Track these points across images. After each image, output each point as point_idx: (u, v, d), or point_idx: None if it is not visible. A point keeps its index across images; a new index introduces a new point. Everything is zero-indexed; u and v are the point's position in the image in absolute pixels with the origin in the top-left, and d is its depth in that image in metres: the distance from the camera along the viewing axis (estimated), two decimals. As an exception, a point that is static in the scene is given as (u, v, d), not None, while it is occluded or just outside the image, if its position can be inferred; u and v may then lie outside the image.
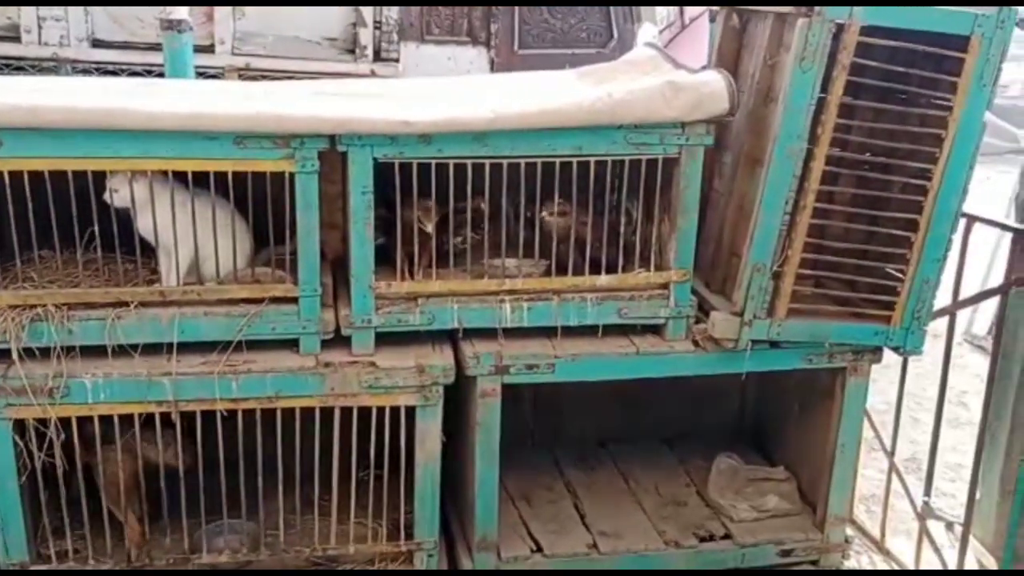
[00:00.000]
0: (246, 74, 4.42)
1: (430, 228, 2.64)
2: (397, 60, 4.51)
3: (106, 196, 2.47)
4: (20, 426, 2.49)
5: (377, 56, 4.48)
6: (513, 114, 2.49)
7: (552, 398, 3.39)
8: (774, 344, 2.77)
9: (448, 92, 2.83)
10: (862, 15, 2.46)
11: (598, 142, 2.58)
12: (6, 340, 2.43)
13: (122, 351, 2.52)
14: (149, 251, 2.65)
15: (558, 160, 2.58)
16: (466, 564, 2.84)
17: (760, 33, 2.78)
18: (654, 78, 2.68)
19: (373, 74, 4.46)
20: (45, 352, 2.48)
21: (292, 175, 2.48)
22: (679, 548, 2.95)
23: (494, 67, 4.62)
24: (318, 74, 4.36)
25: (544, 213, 2.70)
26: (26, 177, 2.36)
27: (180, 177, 2.51)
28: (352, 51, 4.49)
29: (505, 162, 2.56)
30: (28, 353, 2.46)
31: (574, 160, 2.59)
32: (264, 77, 4.32)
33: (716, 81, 2.57)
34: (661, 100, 2.54)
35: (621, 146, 2.60)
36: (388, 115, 2.45)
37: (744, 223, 2.77)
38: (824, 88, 2.50)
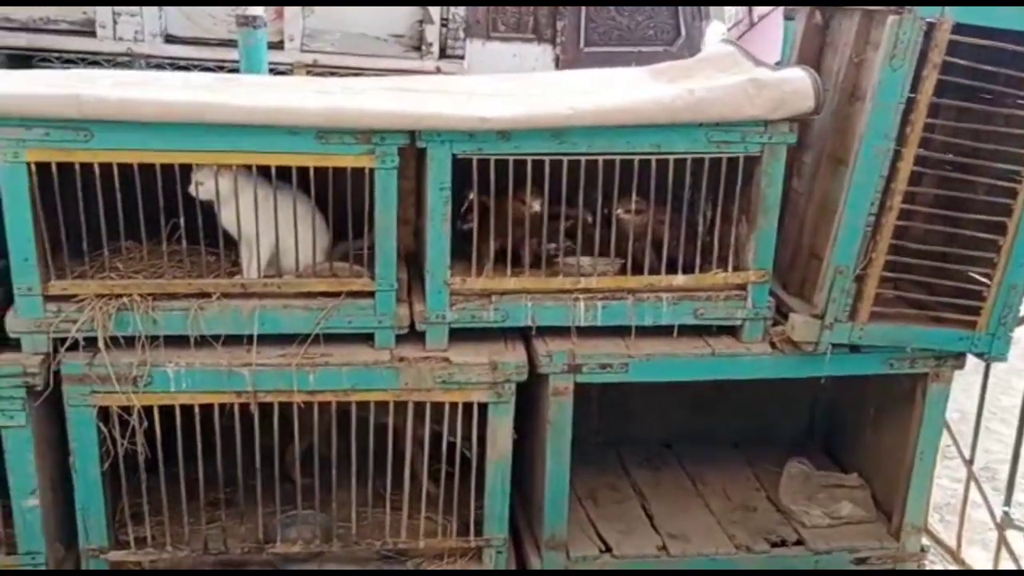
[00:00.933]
0: (313, 70, 4.44)
1: (537, 207, 2.61)
2: (462, 57, 4.51)
3: (191, 188, 2.50)
4: (104, 413, 2.53)
5: (443, 53, 4.48)
6: (592, 111, 2.47)
7: (619, 397, 3.36)
8: (854, 348, 2.72)
9: (524, 89, 2.82)
10: (954, 13, 2.40)
11: (678, 140, 2.55)
12: (93, 329, 2.47)
13: (204, 341, 2.55)
14: (230, 243, 2.69)
15: (636, 158, 2.56)
16: (534, 563, 2.83)
17: (846, 30, 2.73)
18: (734, 75, 2.65)
19: (438, 71, 4.47)
20: (129, 341, 2.52)
21: (372, 171, 2.49)
22: (750, 553, 2.91)
23: (559, 64, 4.60)
24: (384, 71, 4.38)
25: (620, 211, 2.68)
26: (115, 169, 2.39)
27: (262, 171, 2.54)
28: (418, 48, 4.49)
29: (583, 159, 2.54)
30: (113, 342, 2.51)
31: (652, 158, 2.56)
32: (331, 73, 4.35)
33: (801, 79, 2.53)
34: (744, 98, 2.50)
35: (701, 144, 2.56)
36: (466, 111, 2.45)
37: (825, 224, 2.72)
38: (913, 87, 2.45)
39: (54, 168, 2.37)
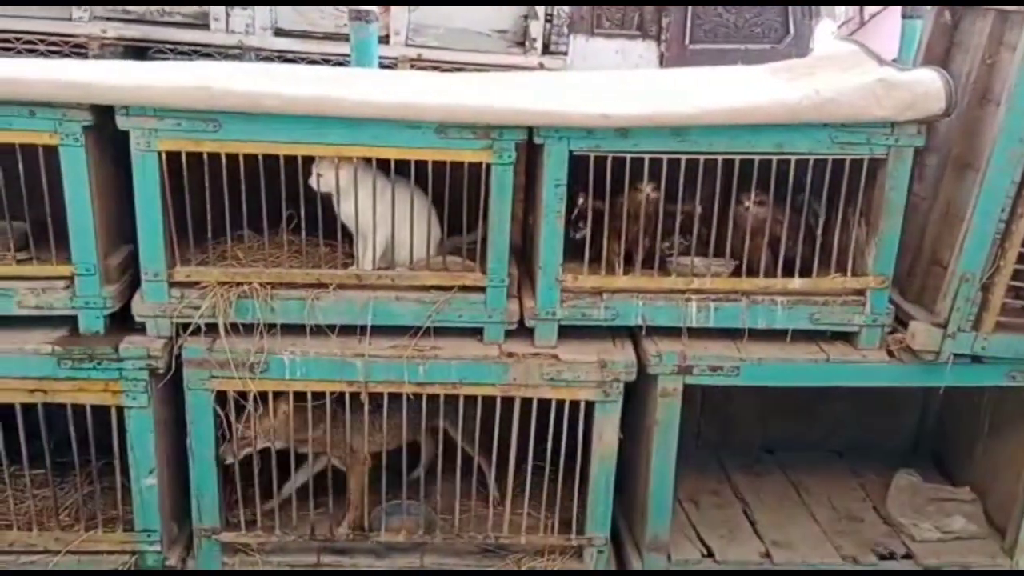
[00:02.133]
0: (417, 64, 4.49)
1: (653, 194, 2.60)
2: (565, 53, 4.50)
3: (312, 180, 2.55)
4: (221, 397, 2.60)
5: (546, 49, 4.48)
6: (716, 109, 2.43)
7: (721, 401, 3.32)
8: (976, 359, 2.62)
9: (641, 86, 2.80)
10: (1097, 13, 2.30)
11: (801, 140, 2.50)
12: (214, 315, 2.54)
13: (318, 331, 2.60)
14: (345, 235, 2.73)
15: (757, 158, 2.51)
16: (635, 564, 2.81)
17: (978, 31, 2.63)
18: (860, 75, 2.58)
19: (541, 67, 4.46)
20: (248, 328, 2.57)
21: (488, 166, 2.50)
22: (857, 564, 2.84)
23: (664, 61, 4.56)
24: (486, 66, 4.40)
25: (742, 204, 2.63)
26: (241, 159, 2.45)
27: (378, 164, 2.57)
28: (521, 43, 4.50)
29: (702, 158, 2.51)
30: (232, 328, 2.56)
31: (774, 158, 2.51)
32: (435, 68, 4.39)
33: (932, 80, 2.45)
34: (872, 99, 2.44)
35: (825, 145, 2.50)
36: (588, 108, 2.44)
37: (948, 230, 2.64)
38: (1051, 89, 2.35)
39: (184, 157, 2.44)
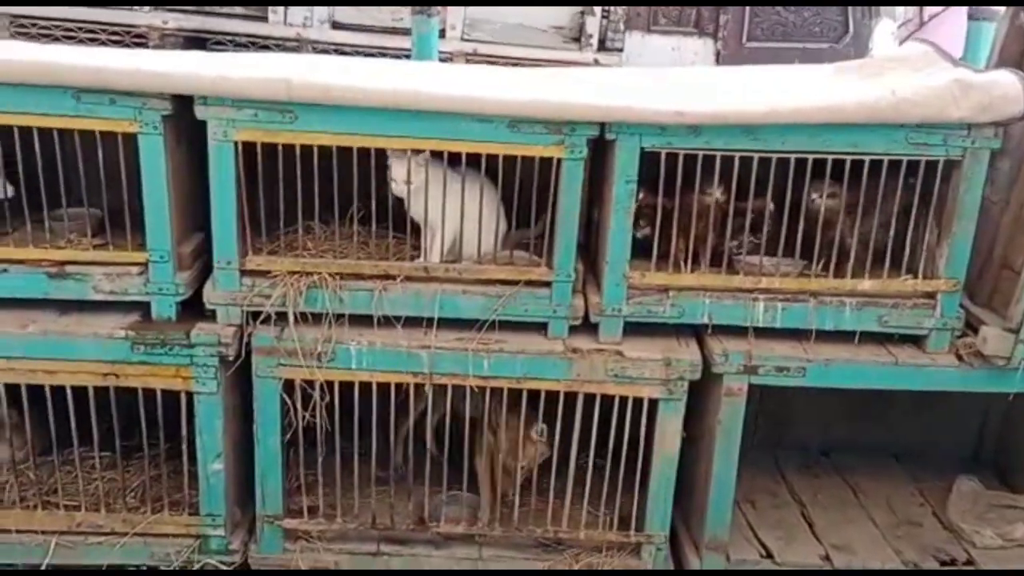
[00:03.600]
0: (472, 59, 4.50)
1: (720, 197, 2.59)
2: (621, 50, 4.49)
3: (391, 181, 2.57)
4: (288, 386, 2.63)
5: (602, 45, 4.47)
6: (791, 108, 2.42)
7: (778, 402, 3.30)
8: (1047, 365, 2.59)
9: (708, 82, 2.78)
10: None
11: (876, 140, 2.48)
12: (284, 304, 2.56)
13: (385, 322, 2.62)
14: (405, 226, 2.75)
15: (830, 157, 2.50)
16: (693, 563, 2.81)
17: (1057, 32, 2.59)
18: (933, 76, 2.55)
19: (596, 63, 4.45)
20: (316, 317, 2.60)
21: (559, 161, 2.50)
22: (918, 570, 2.81)
23: (720, 59, 4.53)
24: (542, 61, 4.40)
25: (814, 195, 2.60)
26: (315, 151, 2.47)
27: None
28: (577, 39, 4.49)
29: (774, 157, 2.50)
30: (300, 317, 2.59)
31: (847, 158, 2.49)
32: (490, 63, 4.40)
33: (1011, 83, 2.42)
34: (949, 99, 2.41)
35: (901, 145, 2.48)
36: (662, 105, 2.43)
37: (1021, 234, 2.61)
38: None
39: (259, 148, 2.46)
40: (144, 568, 2.74)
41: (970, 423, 3.40)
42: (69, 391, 2.57)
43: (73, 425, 2.63)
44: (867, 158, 2.49)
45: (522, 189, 2.62)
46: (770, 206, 2.59)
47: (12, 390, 2.59)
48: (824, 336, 2.67)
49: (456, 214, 2.60)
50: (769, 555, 2.83)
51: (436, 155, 2.57)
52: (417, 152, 2.52)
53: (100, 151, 2.44)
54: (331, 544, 2.80)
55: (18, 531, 2.70)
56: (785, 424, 3.39)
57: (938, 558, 2.86)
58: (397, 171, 2.56)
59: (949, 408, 3.32)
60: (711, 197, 2.59)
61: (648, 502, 2.74)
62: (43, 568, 2.68)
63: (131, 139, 2.44)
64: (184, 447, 2.70)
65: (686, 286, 2.64)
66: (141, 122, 2.41)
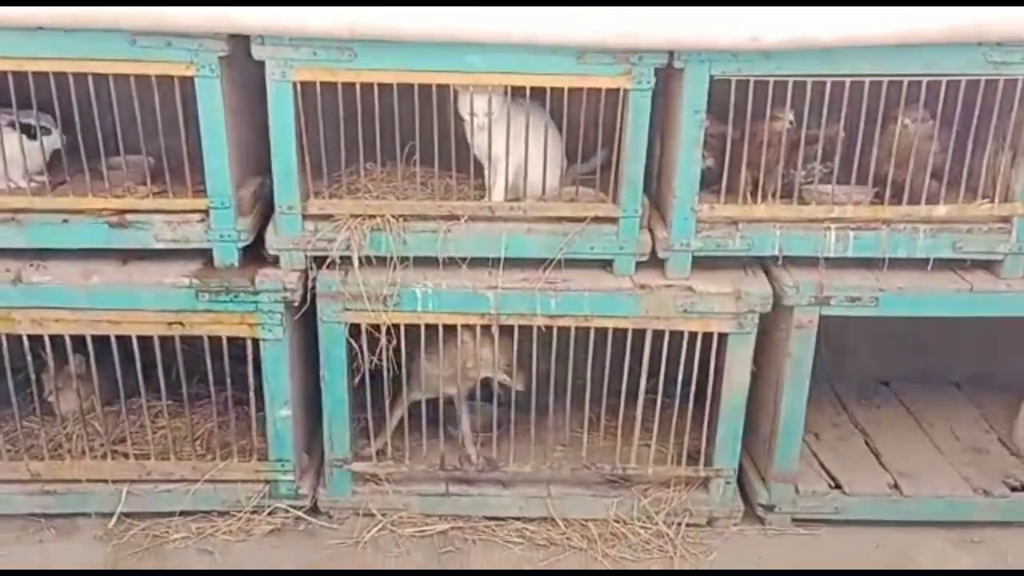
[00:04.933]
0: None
1: (793, 123, 2.52)
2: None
3: (463, 112, 2.50)
4: (354, 330, 2.60)
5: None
6: (871, 29, 2.32)
7: (836, 332, 3.25)
8: (1126, 287, 2.54)
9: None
10: None
11: (953, 60, 2.39)
12: (348, 248, 2.52)
13: (450, 263, 2.58)
14: (464, 166, 2.69)
15: (906, 80, 2.42)
16: (761, 495, 2.81)
17: None
18: (1012, -9, 2.45)
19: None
20: (380, 260, 2.56)
21: (625, 92, 2.43)
22: (988, 496, 2.80)
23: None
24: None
25: (907, 120, 2.53)
26: (376, 89, 2.41)
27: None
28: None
29: (848, 80, 2.42)
30: (365, 260, 2.55)
31: (924, 80, 2.41)
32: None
33: (1098, -6, 2.32)
34: (1032, 15, 2.31)
35: (978, 65, 2.40)
36: (734, 31, 2.34)
37: (1100, 154, 2.53)
38: None
39: (318, 87, 2.40)
40: (215, 514, 2.76)
41: (1031, 348, 3.36)
42: (135, 340, 2.56)
43: (140, 374, 2.62)
44: (944, 79, 2.41)
45: (580, 123, 2.55)
46: (842, 133, 2.51)
47: (78, 341, 2.57)
48: (894, 265, 2.62)
49: (520, 150, 2.54)
50: (838, 485, 2.82)
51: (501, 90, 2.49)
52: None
53: (156, 95, 2.39)
54: (399, 486, 2.82)
55: (89, 480, 2.72)
56: (843, 355, 3.35)
57: (1008, 483, 2.85)
58: (478, 104, 2.48)
59: (1009, 334, 3.28)
60: (782, 123, 2.52)
61: (717, 436, 2.73)
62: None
63: (187, 83, 2.38)
64: (251, 394, 2.69)
65: (756, 218, 2.58)
66: (197, 65, 2.34)
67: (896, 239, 2.57)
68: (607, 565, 2.63)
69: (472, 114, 2.49)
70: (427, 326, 2.59)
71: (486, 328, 2.59)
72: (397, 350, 2.61)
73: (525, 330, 2.60)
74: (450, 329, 2.61)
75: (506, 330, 2.60)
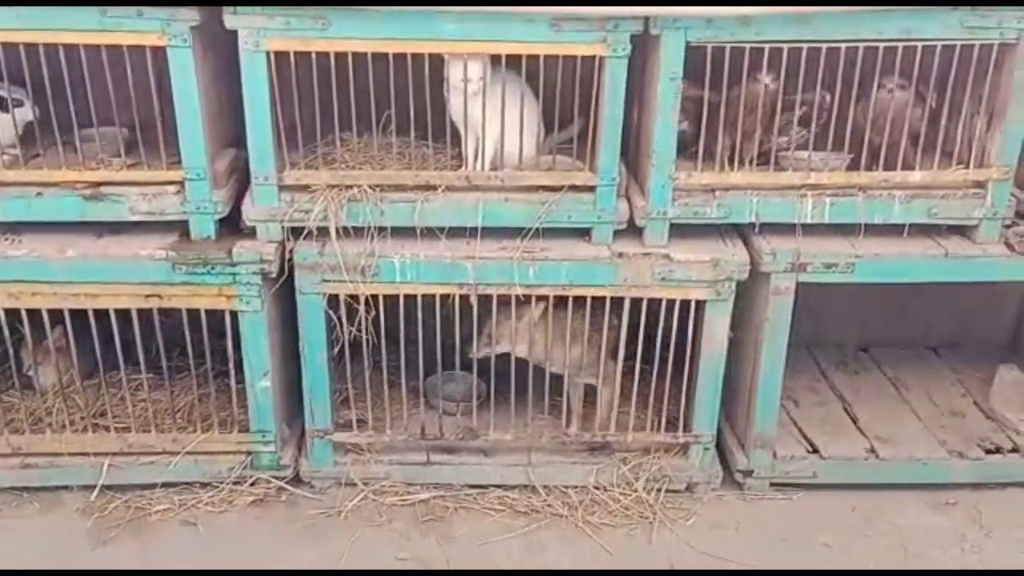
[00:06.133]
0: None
1: (773, 85, 2.51)
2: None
3: (455, 78, 2.49)
4: (332, 301, 2.60)
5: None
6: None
7: (815, 298, 3.27)
8: (1100, 251, 2.56)
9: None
10: None
11: (929, 25, 2.39)
12: (325, 219, 2.52)
13: (428, 233, 2.57)
14: (441, 136, 2.69)
15: (882, 45, 2.42)
16: (740, 460, 2.83)
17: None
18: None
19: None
20: (357, 231, 2.56)
21: (601, 59, 2.42)
22: (963, 459, 2.84)
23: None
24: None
25: (887, 87, 2.53)
26: (349, 58, 2.39)
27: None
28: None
29: (825, 46, 2.41)
30: (342, 231, 2.55)
31: (900, 45, 2.41)
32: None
33: (1071, -43, 2.32)
34: (1006, -22, 2.32)
35: (954, 30, 2.40)
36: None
37: (1075, 118, 2.54)
38: None
39: (292, 57, 2.38)
40: (197, 485, 2.77)
41: (1007, 313, 3.40)
42: (112, 314, 2.55)
43: (119, 347, 2.62)
44: (920, 44, 2.41)
45: (557, 91, 2.54)
46: (825, 97, 2.51)
47: (55, 315, 2.56)
48: (870, 231, 2.63)
49: (498, 118, 2.53)
50: (815, 450, 2.86)
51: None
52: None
53: (128, 66, 2.36)
54: (381, 455, 2.83)
55: (70, 454, 2.72)
56: (821, 321, 3.38)
57: (983, 447, 2.89)
58: (472, 70, 2.45)
59: (988, 299, 3.32)
60: (761, 84, 2.51)
61: (695, 402, 2.75)
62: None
63: (160, 53, 2.36)
64: (231, 366, 2.69)
65: (733, 185, 2.59)
66: (169, 34, 2.32)
67: (872, 205, 2.59)
68: (587, 532, 2.66)
69: (466, 80, 2.45)
70: (405, 296, 2.60)
71: None
72: (376, 321, 2.62)
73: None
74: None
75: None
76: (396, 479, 2.82)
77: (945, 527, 2.73)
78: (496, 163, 2.63)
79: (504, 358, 2.78)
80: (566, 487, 2.80)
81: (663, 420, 2.82)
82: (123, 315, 2.57)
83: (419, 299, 2.62)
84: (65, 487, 2.75)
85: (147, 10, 2.29)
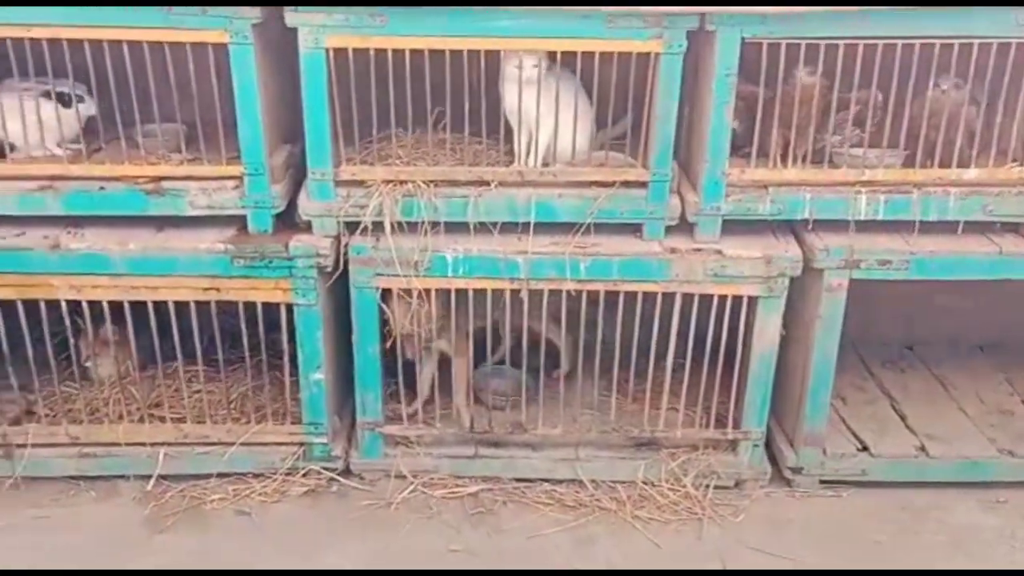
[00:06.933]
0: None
1: (825, 81, 2.51)
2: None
3: (510, 65, 2.51)
4: (385, 295, 2.63)
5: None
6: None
7: (861, 296, 3.26)
8: None
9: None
10: None
11: (984, 23, 2.38)
12: (380, 214, 2.54)
13: (480, 228, 2.60)
14: (494, 133, 2.71)
15: (939, 42, 2.41)
16: (789, 457, 2.83)
17: None
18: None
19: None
20: (411, 226, 2.58)
21: (656, 56, 2.43)
22: (1013, 457, 2.83)
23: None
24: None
25: (943, 86, 2.52)
26: (407, 55, 2.42)
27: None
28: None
29: (880, 43, 2.41)
30: (396, 226, 2.57)
31: (955, 43, 2.41)
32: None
33: None
34: (1067, -25, 2.30)
35: (1010, 27, 2.39)
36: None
37: None
38: None
39: (350, 54, 2.41)
40: (251, 475, 2.81)
41: (1055, 311, 3.37)
42: (171, 306, 2.59)
43: (176, 339, 2.66)
44: (976, 42, 2.40)
45: (609, 87, 2.55)
46: (878, 96, 2.51)
47: (115, 307, 2.61)
48: (922, 228, 2.62)
49: (552, 115, 2.54)
50: (865, 448, 2.85)
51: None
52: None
53: (191, 64, 2.40)
54: (430, 448, 2.86)
55: (127, 444, 2.77)
56: (869, 319, 3.36)
57: (1033, 446, 2.87)
58: (527, 57, 2.48)
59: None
60: (814, 79, 2.50)
61: (745, 399, 2.75)
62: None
63: (220, 50, 2.40)
64: (285, 358, 2.73)
65: (786, 181, 2.59)
66: (232, 32, 2.36)
67: (927, 202, 2.58)
68: (637, 526, 2.67)
69: (520, 67, 2.48)
70: (457, 291, 2.62)
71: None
72: (427, 314, 2.64)
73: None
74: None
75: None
76: (444, 472, 2.85)
77: (994, 525, 2.72)
78: (548, 159, 2.65)
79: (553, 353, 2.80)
80: (614, 482, 2.82)
81: (712, 416, 2.83)
82: (180, 307, 2.60)
83: (470, 293, 2.64)
84: (122, 476, 2.80)
85: (211, 8, 2.33)
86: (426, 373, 2.88)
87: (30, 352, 2.66)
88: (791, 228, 2.70)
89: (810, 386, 2.72)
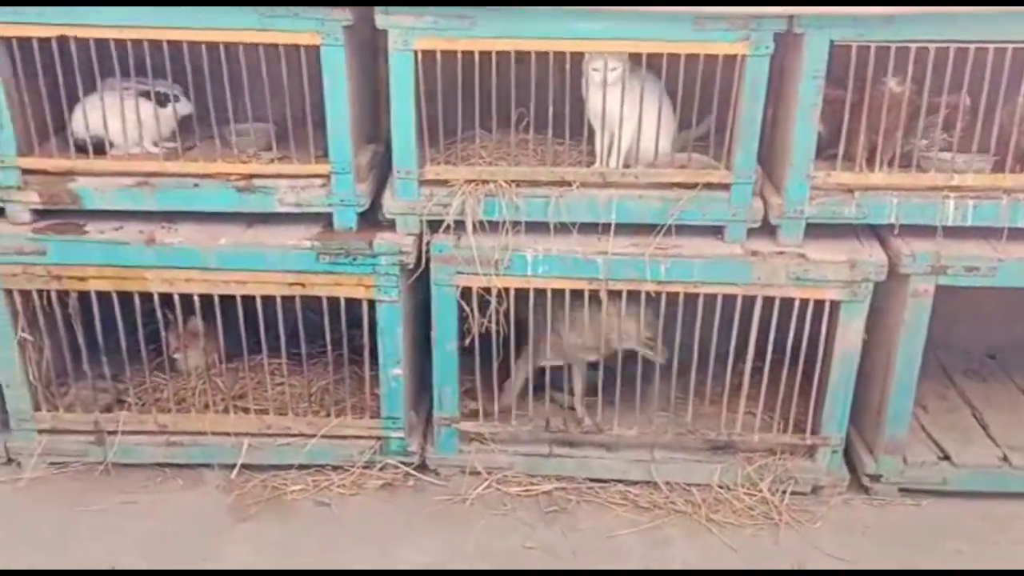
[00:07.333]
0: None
1: (913, 86, 2.48)
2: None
3: (593, 65, 2.52)
4: (465, 293, 2.67)
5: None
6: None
7: (941, 303, 3.20)
8: None
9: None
10: None
11: (1082, 27, 2.33)
12: (463, 213, 2.58)
13: (560, 228, 2.61)
14: (575, 134, 2.72)
15: (1034, 46, 2.36)
16: (868, 465, 2.80)
17: None
18: None
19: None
20: (492, 225, 2.61)
21: (743, 58, 2.43)
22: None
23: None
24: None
25: None
26: (493, 57, 2.45)
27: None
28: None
29: (972, 47, 2.37)
30: (477, 225, 2.61)
31: (1052, 46, 2.36)
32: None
33: None
34: None
35: (1108, 31, 2.33)
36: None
37: None
38: None
39: (438, 56, 2.45)
40: (329, 468, 2.87)
41: None
42: (259, 300, 2.66)
43: (262, 333, 2.73)
44: (1076, 44, 2.35)
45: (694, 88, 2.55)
46: (967, 100, 2.47)
47: (205, 300, 2.69)
48: (1011, 234, 2.57)
49: (635, 116, 2.55)
50: (947, 457, 2.80)
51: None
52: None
53: (284, 64, 2.47)
54: (505, 446, 2.88)
55: (212, 433, 2.85)
56: (949, 327, 3.30)
57: (1120, 458, 2.79)
58: (611, 58, 2.49)
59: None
60: (903, 87, 2.47)
61: (825, 404, 2.73)
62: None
63: (302, 51, 2.45)
64: (365, 354, 2.78)
65: (872, 185, 2.56)
66: (324, 33, 2.41)
67: (1017, 208, 2.53)
68: (712, 530, 2.66)
69: (600, 68, 2.49)
70: (536, 291, 2.64)
71: (633, 299, 2.62)
72: (507, 313, 2.67)
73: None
74: (589, 299, 2.64)
75: (651, 303, 2.63)
76: (519, 469, 2.87)
77: (1080, 539, 2.66)
78: (629, 160, 2.65)
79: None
80: (688, 484, 2.81)
81: (790, 421, 2.80)
82: (266, 301, 2.67)
83: (549, 293, 2.66)
84: (206, 465, 2.88)
85: (303, 10, 2.39)
86: (518, 382, 2.90)
87: (123, 343, 2.75)
88: (875, 232, 2.67)
89: (892, 393, 2.69)
